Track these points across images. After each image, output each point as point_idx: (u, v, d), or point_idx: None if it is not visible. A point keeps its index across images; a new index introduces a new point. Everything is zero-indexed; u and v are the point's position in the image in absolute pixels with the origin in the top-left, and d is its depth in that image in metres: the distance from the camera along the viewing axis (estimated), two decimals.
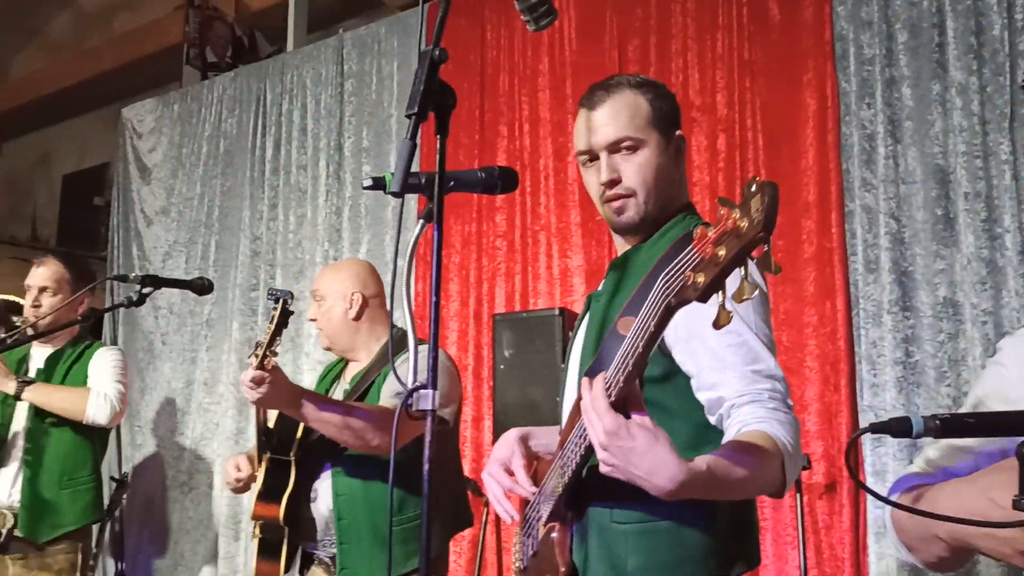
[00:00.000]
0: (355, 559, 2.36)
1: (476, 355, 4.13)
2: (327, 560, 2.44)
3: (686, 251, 1.05)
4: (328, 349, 2.68)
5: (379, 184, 1.71)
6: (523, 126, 4.20)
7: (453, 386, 2.50)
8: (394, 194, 1.56)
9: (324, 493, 2.42)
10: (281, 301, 2.20)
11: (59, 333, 3.19)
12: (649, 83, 1.69)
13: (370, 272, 2.69)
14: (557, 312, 3.60)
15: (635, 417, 1.24)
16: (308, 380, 4.70)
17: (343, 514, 2.38)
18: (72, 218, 8.38)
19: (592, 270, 3.85)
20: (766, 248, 0.98)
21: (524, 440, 1.72)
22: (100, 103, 8.22)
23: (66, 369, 3.21)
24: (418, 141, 1.55)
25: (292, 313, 2.33)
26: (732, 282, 1.00)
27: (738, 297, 0.99)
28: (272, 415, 2.53)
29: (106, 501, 4.94)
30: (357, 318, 2.58)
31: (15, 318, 3.14)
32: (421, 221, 1.65)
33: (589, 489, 1.55)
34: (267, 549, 2.40)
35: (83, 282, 3.22)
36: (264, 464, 2.45)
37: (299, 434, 2.46)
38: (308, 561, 2.52)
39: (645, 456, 1.22)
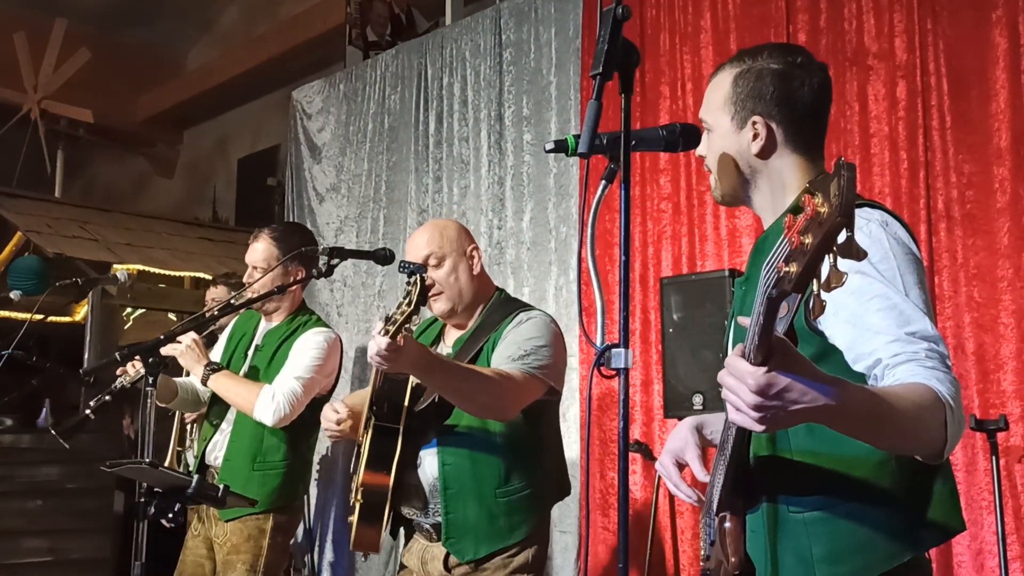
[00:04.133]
0: (461, 529, 2.33)
1: (643, 320, 4.11)
2: (428, 528, 2.39)
3: (780, 241, 1.04)
4: (447, 317, 2.50)
5: (561, 147, 1.71)
6: (685, 85, 4.12)
7: (563, 355, 2.42)
8: (580, 155, 1.57)
9: (430, 461, 2.36)
10: (417, 277, 2.05)
11: (278, 308, 3.15)
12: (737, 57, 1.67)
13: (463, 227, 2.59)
14: (727, 273, 3.53)
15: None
16: None
17: (449, 484, 2.33)
18: (248, 199, 8.87)
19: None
20: (848, 234, 0.96)
21: (698, 429, 1.70)
22: (270, 88, 8.65)
23: (277, 345, 3.10)
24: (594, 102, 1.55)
25: (432, 288, 2.21)
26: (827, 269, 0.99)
27: (827, 286, 0.99)
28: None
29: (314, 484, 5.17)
30: (481, 273, 2.50)
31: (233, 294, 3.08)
32: (603, 182, 1.66)
33: (760, 478, 1.52)
34: (368, 514, 2.33)
35: (298, 255, 3.03)
36: (370, 431, 2.35)
37: (406, 402, 2.35)
38: (407, 528, 2.48)
39: (805, 392, 1.14)
